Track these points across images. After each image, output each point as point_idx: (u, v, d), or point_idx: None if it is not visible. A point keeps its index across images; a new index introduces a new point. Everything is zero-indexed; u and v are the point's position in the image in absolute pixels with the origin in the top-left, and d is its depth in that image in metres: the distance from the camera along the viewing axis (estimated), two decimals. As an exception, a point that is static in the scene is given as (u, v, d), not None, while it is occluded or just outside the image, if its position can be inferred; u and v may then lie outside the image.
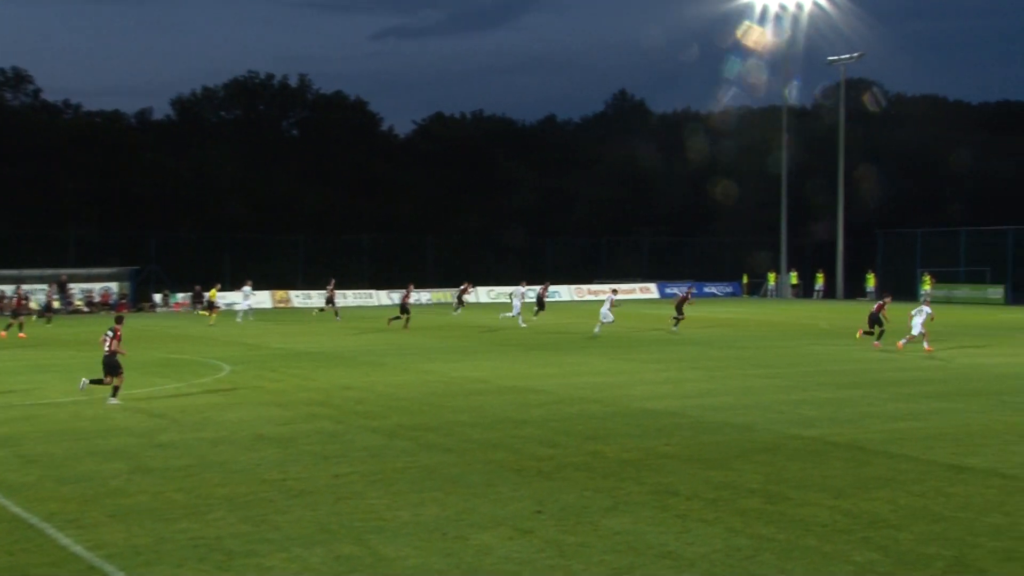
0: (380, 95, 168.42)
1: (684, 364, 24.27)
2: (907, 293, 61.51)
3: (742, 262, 74.44)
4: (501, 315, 39.78)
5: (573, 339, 32.01)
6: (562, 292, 64.30)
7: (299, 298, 55.45)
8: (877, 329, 29.47)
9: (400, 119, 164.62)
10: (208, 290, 45.78)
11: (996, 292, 59.72)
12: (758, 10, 68.51)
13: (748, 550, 9.00)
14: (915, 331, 28.14)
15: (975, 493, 10.84)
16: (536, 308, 39.60)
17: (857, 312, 48.64)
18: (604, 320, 33.84)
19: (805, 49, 70.76)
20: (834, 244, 68.55)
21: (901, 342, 27.96)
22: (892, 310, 30.36)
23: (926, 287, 61.95)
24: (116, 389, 17.85)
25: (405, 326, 35.87)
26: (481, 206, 78.98)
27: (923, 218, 76.98)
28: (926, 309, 28.89)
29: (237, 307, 44.04)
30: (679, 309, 35.76)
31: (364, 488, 11.23)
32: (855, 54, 66.85)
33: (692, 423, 15.53)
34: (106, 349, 17.82)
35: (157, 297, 52.52)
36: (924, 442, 13.81)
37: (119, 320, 18.69)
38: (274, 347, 29.03)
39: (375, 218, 71.75)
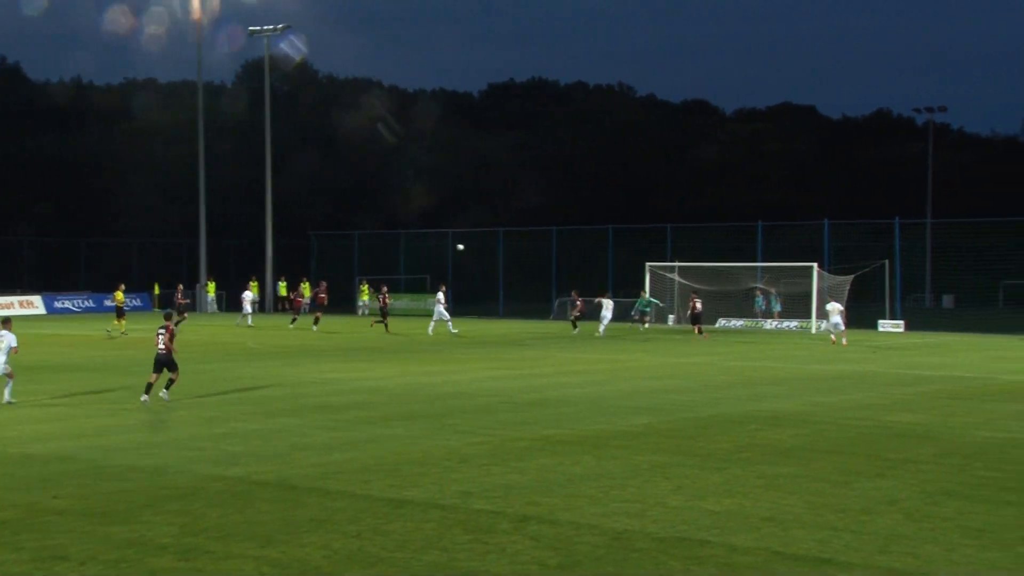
0: None
1: (77, 396, 23.42)
2: (345, 304, 64.95)
3: (153, 269, 73.41)
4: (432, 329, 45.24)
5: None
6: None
7: None
8: (697, 326, 45.76)
9: None
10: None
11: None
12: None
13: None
14: (841, 327, 41.38)
15: (414, 529, 11.74)
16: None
17: (286, 330, 50.27)
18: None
19: (231, 18, 71.75)
20: (263, 247, 69.97)
21: (832, 338, 41.23)
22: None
23: (364, 297, 65.80)
24: (171, 382, 22.23)
25: (386, 329, 46.67)
26: None
27: (366, 218, 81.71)
28: (839, 306, 42.39)
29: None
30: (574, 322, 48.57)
31: None
32: (279, 26, 68.74)
33: (88, 469, 15.04)
34: (161, 347, 22.03)
35: None
36: (361, 475, 14.67)
37: (169, 316, 23.10)
38: None
39: None
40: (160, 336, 22.26)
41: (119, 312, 45.54)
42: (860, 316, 51.45)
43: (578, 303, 49.74)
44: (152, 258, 77.32)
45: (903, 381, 27.73)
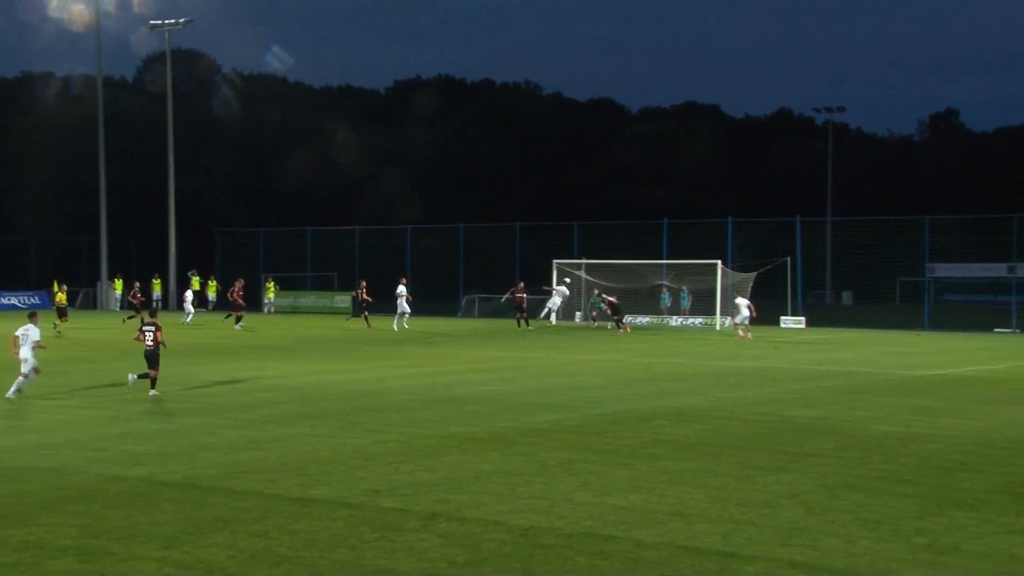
0: None
1: (-25, 396, 22.85)
2: (250, 302, 64.23)
3: (51, 267, 71.80)
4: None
5: None
6: None
7: None
8: (614, 319, 47.30)
9: None
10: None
11: (344, 300, 64.68)
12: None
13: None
14: (747, 321, 42.82)
15: (321, 528, 11.68)
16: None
17: (191, 328, 49.62)
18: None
19: (127, 13, 70.37)
20: (166, 245, 68.88)
21: (741, 333, 42.55)
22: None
23: (270, 295, 65.16)
24: (154, 381, 22.93)
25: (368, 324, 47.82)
26: None
27: (266, 214, 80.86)
28: (746, 300, 43.66)
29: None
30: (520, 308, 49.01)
31: None
32: (181, 20, 67.59)
33: (-14, 471, 14.70)
34: (149, 343, 23.05)
35: None
36: (267, 474, 14.54)
37: (154, 313, 25.10)
38: None
39: None
40: (148, 333, 23.18)
41: (60, 311, 45.08)
42: (763, 313, 52.23)
43: (520, 295, 49.66)
44: (50, 256, 75.65)
45: (804, 376, 28.25)
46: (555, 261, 55.21)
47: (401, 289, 48.55)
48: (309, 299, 65.80)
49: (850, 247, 69.48)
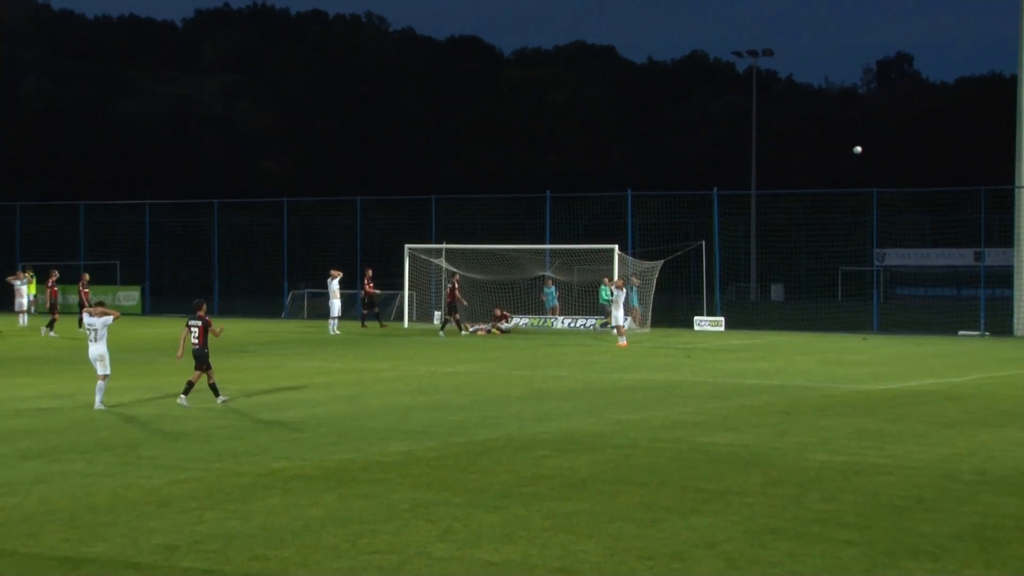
0: None
1: None
2: (3, 300, 62.83)
3: None
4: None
5: None
6: None
7: None
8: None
9: None
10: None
11: (131, 297, 63.61)
12: None
13: None
14: (622, 322, 43.78)
15: (98, 595, 11.48)
16: None
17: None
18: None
19: None
20: None
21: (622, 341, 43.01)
22: None
23: (31, 290, 63.61)
24: (214, 387, 25.37)
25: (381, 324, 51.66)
26: None
27: (26, 184, 79.16)
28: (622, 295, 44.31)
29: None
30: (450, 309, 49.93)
31: None
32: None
33: None
34: (195, 341, 25.10)
35: None
36: (26, 527, 14.25)
37: (201, 307, 25.73)
38: None
39: None
40: (193, 328, 25.29)
41: None
42: (672, 312, 52.92)
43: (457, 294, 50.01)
44: None
45: (724, 393, 28.67)
46: (407, 246, 55.11)
47: (334, 286, 50.50)
48: (72, 296, 64.38)
49: (780, 228, 70.82)
